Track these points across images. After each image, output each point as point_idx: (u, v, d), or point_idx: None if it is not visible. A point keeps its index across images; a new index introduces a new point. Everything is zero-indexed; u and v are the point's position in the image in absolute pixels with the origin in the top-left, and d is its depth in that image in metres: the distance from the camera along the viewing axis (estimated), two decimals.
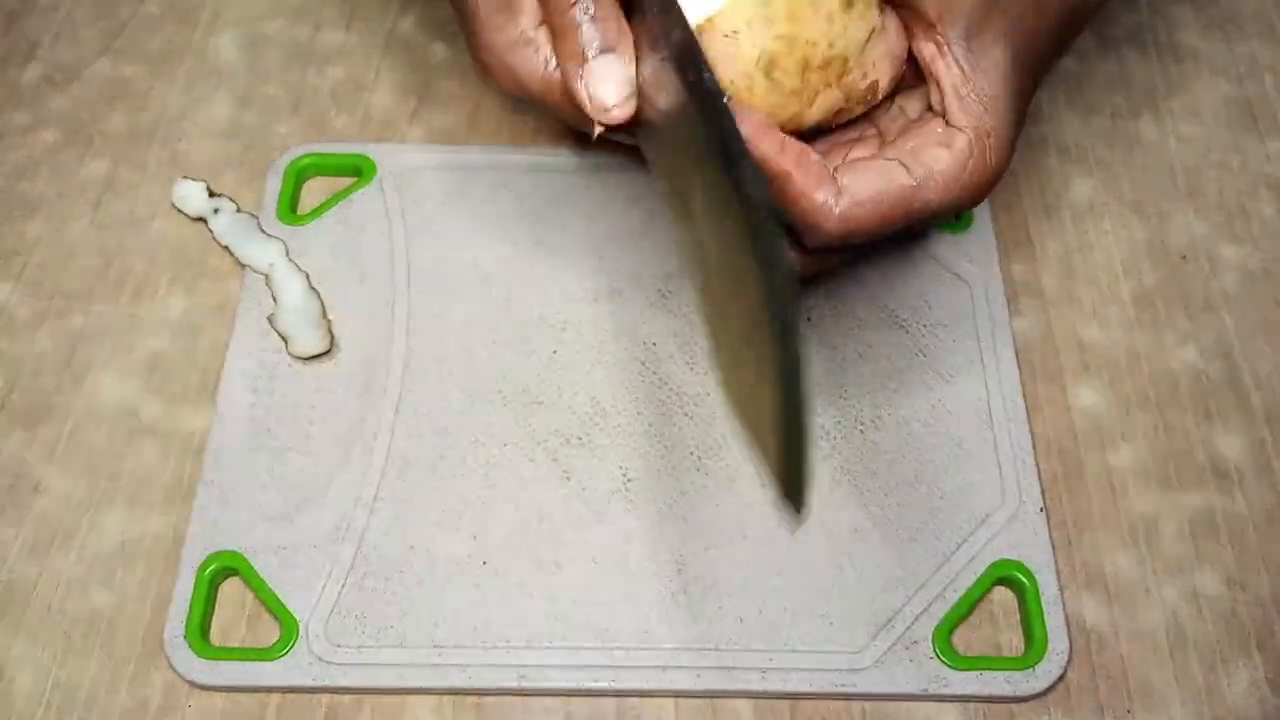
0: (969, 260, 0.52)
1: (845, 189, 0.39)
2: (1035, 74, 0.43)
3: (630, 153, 0.46)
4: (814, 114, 0.41)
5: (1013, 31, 0.41)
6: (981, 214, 0.53)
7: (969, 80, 0.40)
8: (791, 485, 0.34)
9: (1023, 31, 0.41)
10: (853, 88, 0.41)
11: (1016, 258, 0.53)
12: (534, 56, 0.41)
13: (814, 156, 0.39)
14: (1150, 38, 0.61)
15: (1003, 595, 0.44)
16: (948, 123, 0.41)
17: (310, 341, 0.49)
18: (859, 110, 0.42)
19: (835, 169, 0.40)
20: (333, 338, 0.49)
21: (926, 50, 0.41)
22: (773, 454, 0.34)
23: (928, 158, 0.40)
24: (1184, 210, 0.54)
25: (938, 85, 0.41)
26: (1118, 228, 0.54)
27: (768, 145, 0.38)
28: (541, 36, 0.41)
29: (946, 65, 0.41)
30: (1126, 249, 0.53)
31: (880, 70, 0.41)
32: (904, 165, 0.40)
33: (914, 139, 0.41)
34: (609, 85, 0.40)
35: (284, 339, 0.49)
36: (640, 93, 0.40)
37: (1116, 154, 0.56)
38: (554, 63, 0.41)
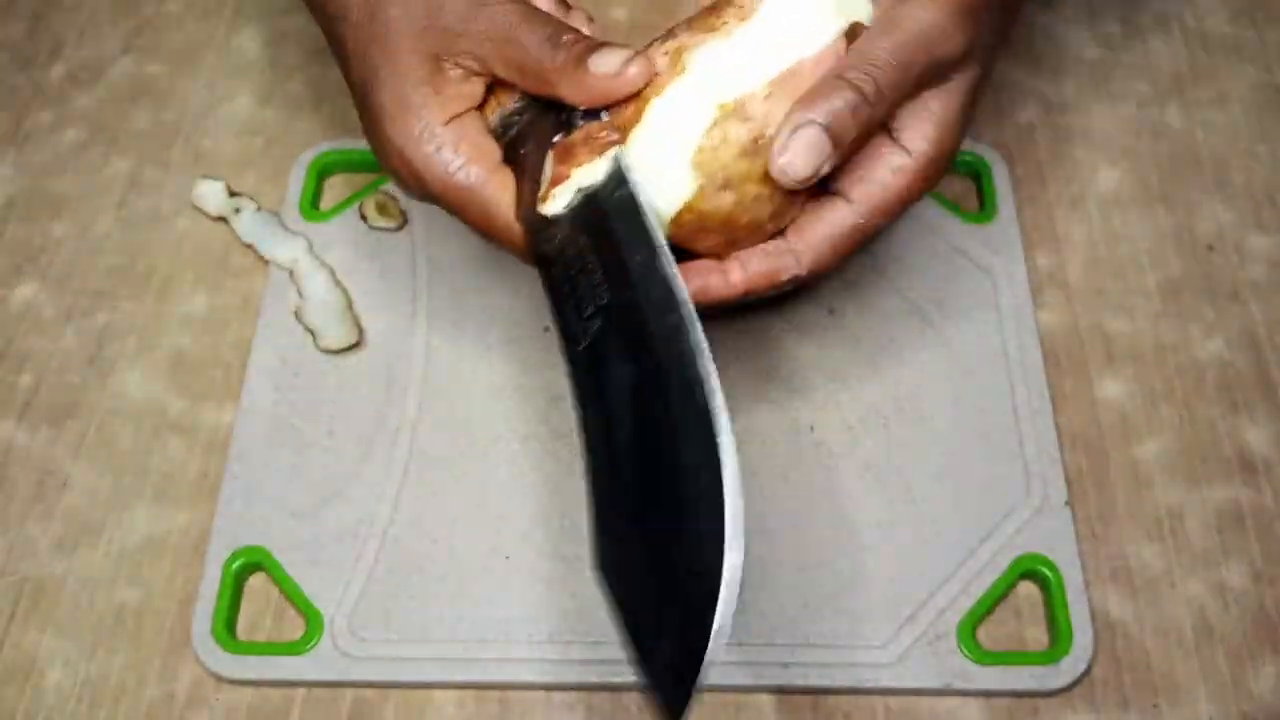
0: (993, 252, 0.51)
1: (801, 252, 0.40)
2: (989, 70, 0.42)
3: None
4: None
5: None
6: (1006, 205, 0.53)
7: (923, 100, 0.40)
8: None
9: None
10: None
11: (1041, 249, 0.52)
12: (437, 155, 0.40)
13: (758, 265, 0.40)
14: (1178, 25, 0.60)
15: (1028, 589, 0.44)
16: (895, 140, 0.40)
17: (339, 334, 0.49)
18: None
19: (786, 233, 0.41)
20: (361, 330, 0.49)
21: None
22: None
23: (874, 186, 0.40)
24: (1211, 200, 0.54)
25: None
26: (1144, 218, 0.53)
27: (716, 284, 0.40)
28: (446, 135, 0.40)
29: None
30: (1152, 239, 0.53)
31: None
32: (848, 201, 0.40)
33: (862, 166, 0.40)
34: (610, 56, 0.39)
35: (312, 333, 0.49)
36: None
37: (1143, 143, 0.56)
38: (457, 164, 0.40)
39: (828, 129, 0.38)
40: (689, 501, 0.33)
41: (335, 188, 0.55)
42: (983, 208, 0.53)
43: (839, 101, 0.38)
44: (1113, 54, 0.59)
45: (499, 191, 0.41)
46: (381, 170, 0.43)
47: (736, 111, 0.38)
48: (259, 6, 0.61)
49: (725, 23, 0.39)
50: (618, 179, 0.39)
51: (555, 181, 0.39)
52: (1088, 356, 0.49)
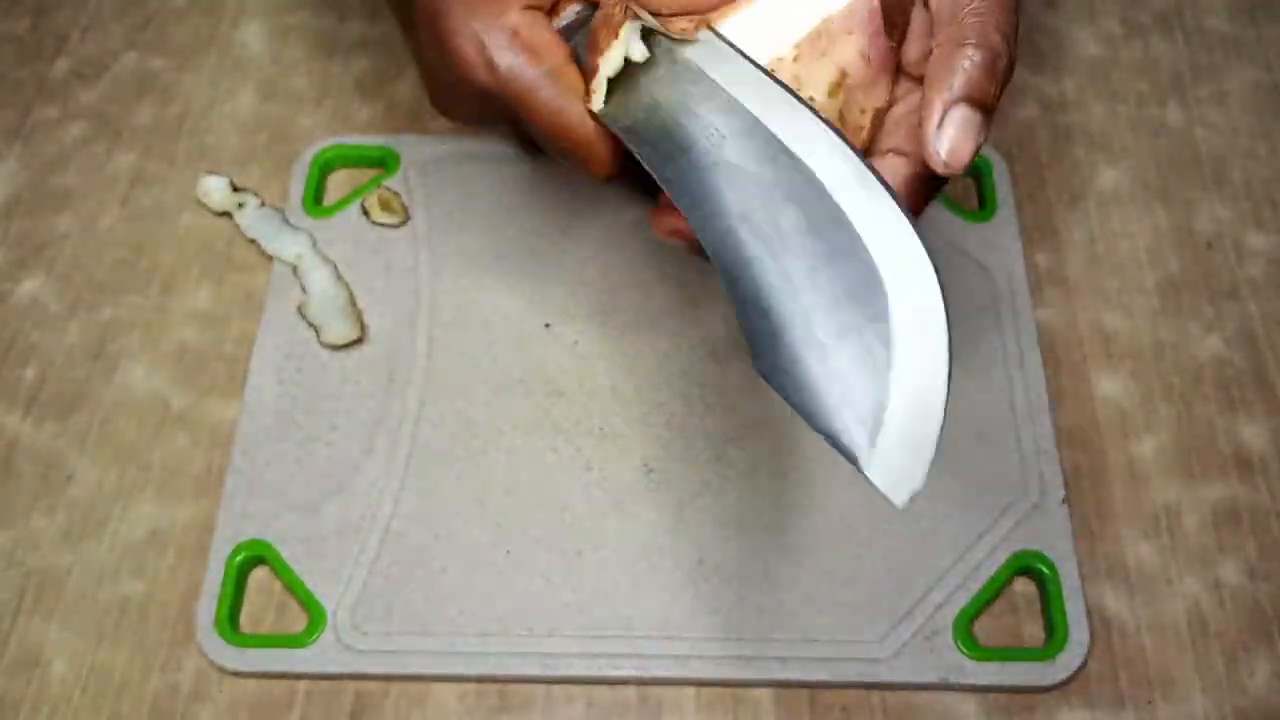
0: (992, 249, 0.51)
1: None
2: None
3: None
4: None
5: None
6: (1006, 203, 0.53)
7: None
8: None
9: None
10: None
11: (1041, 247, 0.52)
12: (513, 40, 0.39)
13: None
14: (1178, 23, 0.60)
15: (1024, 586, 0.44)
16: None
17: (341, 330, 0.49)
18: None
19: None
20: (363, 326, 0.50)
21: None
22: None
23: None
24: (1210, 198, 0.54)
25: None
26: (1143, 216, 0.54)
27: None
28: (523, 21, 0.39)
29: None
30: (1151, 237, 0.53)
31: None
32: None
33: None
34: None
35: (315, 328, 0.49)
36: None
37: (1142, 141, 0.56)
38: (532, 49, 0.39)
39: (971, 101, 0.36)
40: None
41: (338, 183, 0.55)
42: (982, 206, 0.53)
43: (968, 65, 0.36)
44: (1113, 52, 0.59)
45: (574, 80, 0.39)
46: (430, 69, 0.42)
47: None
48: (262, 2, 0.61)
49: None
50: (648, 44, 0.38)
51: (590, 76, 0.39)
52: (1086, 354, 0.50)
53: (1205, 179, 0.55)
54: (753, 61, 0.37)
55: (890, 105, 0.40)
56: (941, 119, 0.36)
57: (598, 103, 0.39)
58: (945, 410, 0.31)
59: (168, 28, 0.61)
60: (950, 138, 0.36)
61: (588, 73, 0.39)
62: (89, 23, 0.61)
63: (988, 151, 0.54)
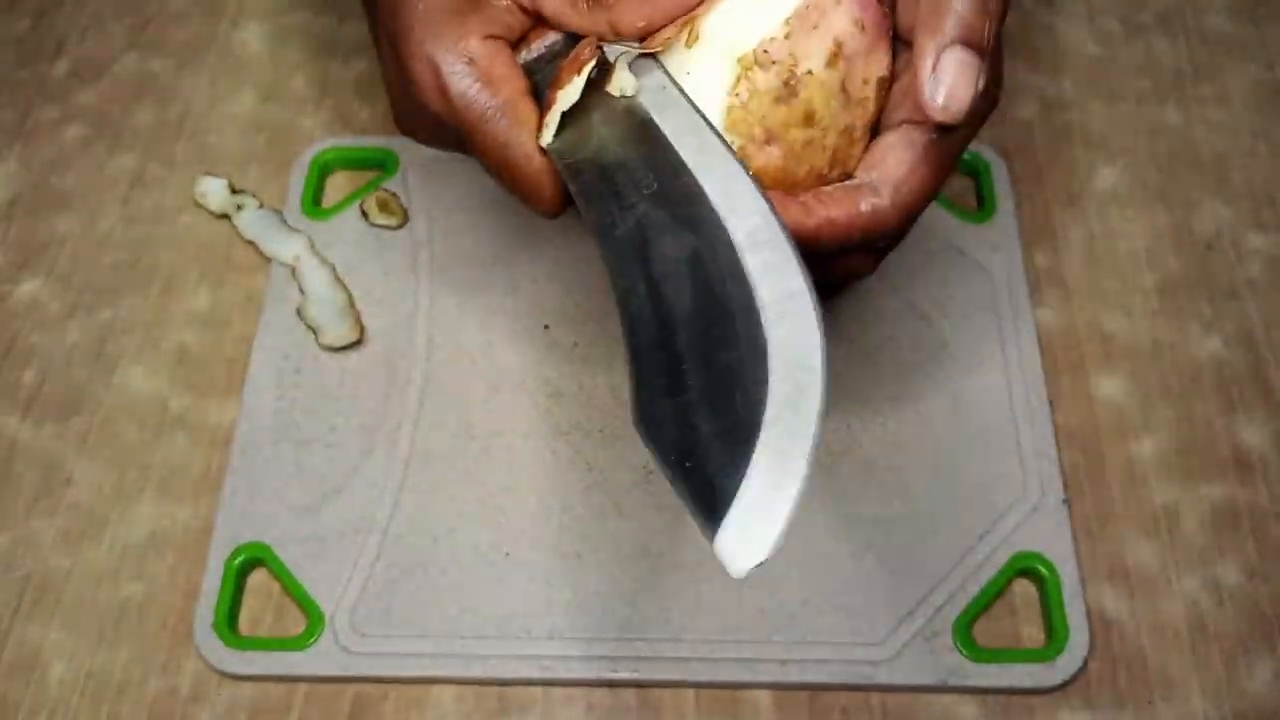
0: (991, 250, 0.51)
1: (878, 183, 0.37)
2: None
3: None
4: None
5: None
6: (1004, 203, 0.53)
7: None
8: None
9: None
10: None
11: (1039, 247, 0.52)
12: (469, 68, 0.38)
13: (833, 203, 0.37)
14: (1178, 22, 0.60)
15: (1023, 587, 0.44)
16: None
17: (340, 332, 0.49)
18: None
19: (855, 171, 0.39)
20: (362, 328, 0.50)
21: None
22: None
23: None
24: (1210, 198, 0.54)
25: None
26: (1142, 216, 0.54)
27: (795, 213, 0.37)
28: (481, 50, 0.38)
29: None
30: (1151, 237, 0.53)
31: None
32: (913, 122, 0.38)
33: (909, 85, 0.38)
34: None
35: (313, 330, 0.49)
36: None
37: (1141, 141, 0.56)
38: (487, 80, 0.38)
39: (966, 43, 0.35)
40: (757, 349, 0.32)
41: (337, 185, 0.55)
42: (981, 206, 0.53)
43: (959, 6, 0.35)
44: (1112, 52, 0.59)
45: (527, 115, 0.39)
46: (391, 85, 0.41)
47: (758, 59, 0.37)
48: (262, 4, 0.61)
49: None
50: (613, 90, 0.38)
51: (545, 109, 0.38)
52: (1085, 354, 0.50)
53: (1205, 179, 0.55)
54: (699, 111, 0.37)
55: (894, 76, 0.39)
56: (935, 64, 0.35)
57: (547, 137, 0.38)
58: (799, 493, 0.31)
59: (167, 29, 0.61)
60: (946, 83, 0.35)
61: (545, 107, 0.39)
62: (89, 24, 0.61)
63: (986, 151, 0.54)
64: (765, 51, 0.37)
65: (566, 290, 0.51)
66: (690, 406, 0.33)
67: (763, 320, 0.33)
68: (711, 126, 0.37)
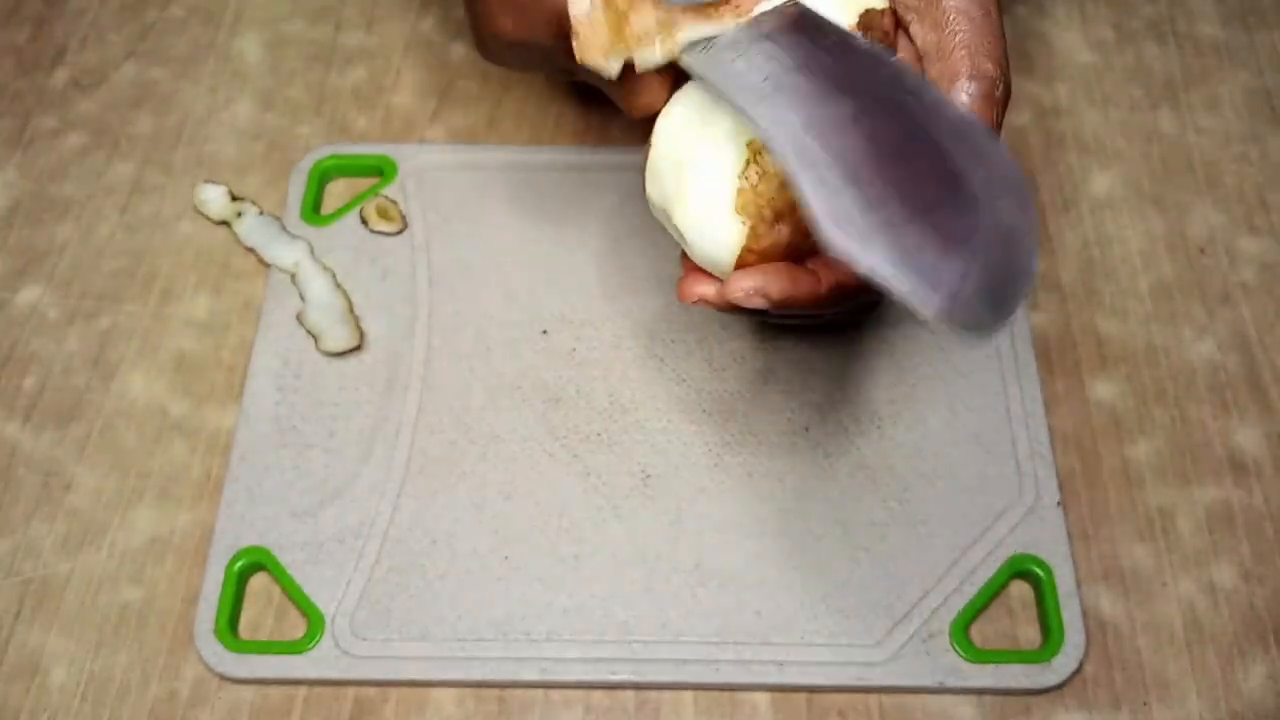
0: None
1: None
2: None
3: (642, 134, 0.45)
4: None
5: None
6: None
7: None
8: None
9: None
10: None
11: None
12: None
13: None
14: (1170, 29, 0.60)
15: (1020, 589, 0.45)
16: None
17: (340, 337, 0.49)
18: None
19: None
20: (361, 333, 0.50)
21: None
22: None
23: None
24: (1203, 203, 0.54)
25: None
26: (1136, 221, 0.54)
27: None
28: None
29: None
30: (1145, 242, 0.53)
31: None
32: None
33: None
34: None
35: (313, 336, 0.50)
36: None
37: (1135, 147, 0.56)
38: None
39: None
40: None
41: (336, 192, 0.55)
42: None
43: (967, 99, 0.36)
44: (1105, 58, 0.59)
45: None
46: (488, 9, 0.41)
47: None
48: (260, 12, 0.62)
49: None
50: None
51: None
52: (1080, 358, 0.50)
53: (1198, 184, 0.55)
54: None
55: None
56: None
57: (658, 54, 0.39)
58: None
59: (166, 38, 0.61)
60: None
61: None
62: (88, 33, 0.61)
63: None
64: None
65: (564, 296, 0.51)
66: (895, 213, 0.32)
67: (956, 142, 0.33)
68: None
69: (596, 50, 0.39)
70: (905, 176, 0.33)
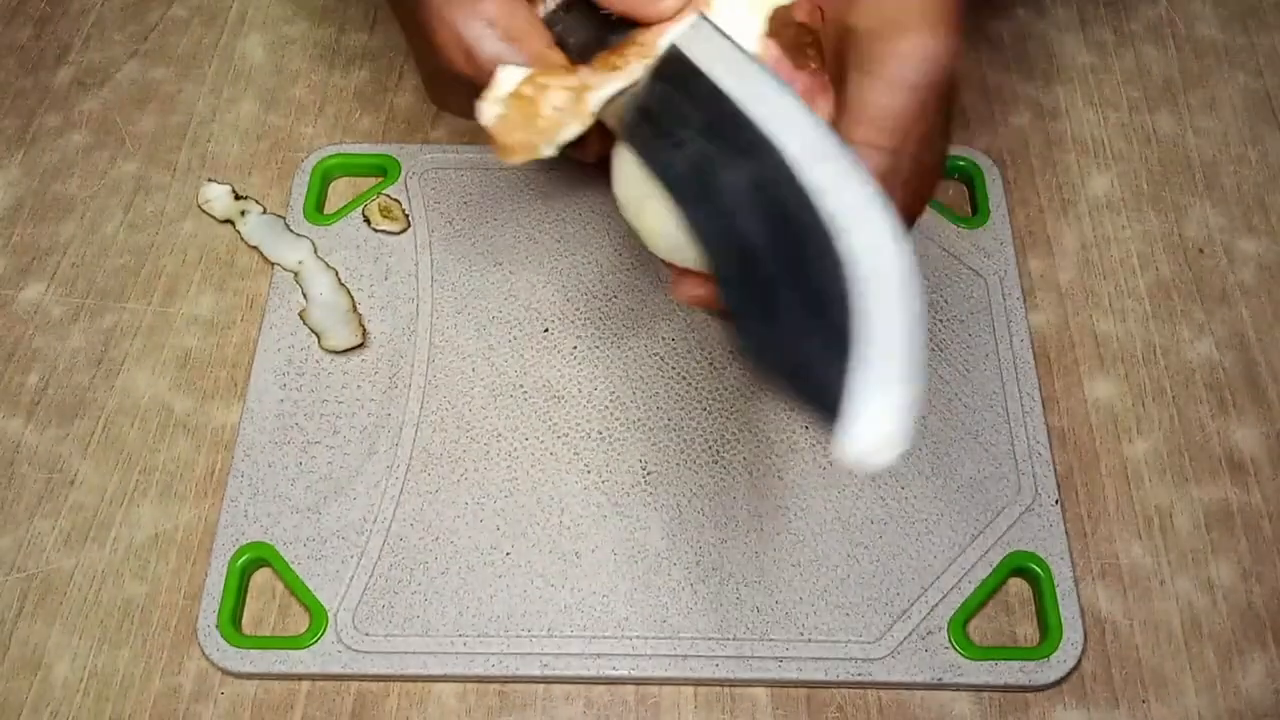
0: (985, 255, 0.52)
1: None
2: None
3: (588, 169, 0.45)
4: None
5: None
6: (998, 209, 0.53)
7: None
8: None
9: None
10: None
11: (1033, 252, 0.53)
12: (491, 29, 0.39)
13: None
14: (1169, 31, 0.61)
15: (1018, 586, 0.45)
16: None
17: (343, 336, 0.50)
18: None
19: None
20: (364, 332, 0.50)
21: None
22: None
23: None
24: (1201, 203, 0.55)
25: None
26: (1134, 221, 0.54)
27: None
28: (502, 9, 0.39)
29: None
30: (1143, 242, 0.54)
31: None
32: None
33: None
34: None
35: (316, 334, 0.50)
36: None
37: (1134, 148, 0.57)
38: (511, 36, 0.39)
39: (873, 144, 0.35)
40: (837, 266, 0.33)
41: (339, 191, 0.55)
42: (975, 212, 0.54)
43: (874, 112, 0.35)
44: (1104, 60, 0.60)
45: (556, 65, 0.39)
46: (421, 59, 0.42)
47: None
48: (263, 13, 0.62)
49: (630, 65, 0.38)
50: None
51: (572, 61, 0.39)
52: (1078, 357, 0.50)
53: (1196, 185, 0.55)
54: (739, 47, 0.37)
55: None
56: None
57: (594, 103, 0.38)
58: (908, 393, 0.31)
59: (169, 37, 0.61)
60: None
61: (570, 56, 0.39)
62: (91, 32, 0.61)
63: (980, 158, 0.55)
64: None
65: (565, 294, 0.51)
66: (786, 329, 0.33)
67: (834, 233, 0.33)
68: (746, 53, 0.37)
69: (518, 151, 0.39)
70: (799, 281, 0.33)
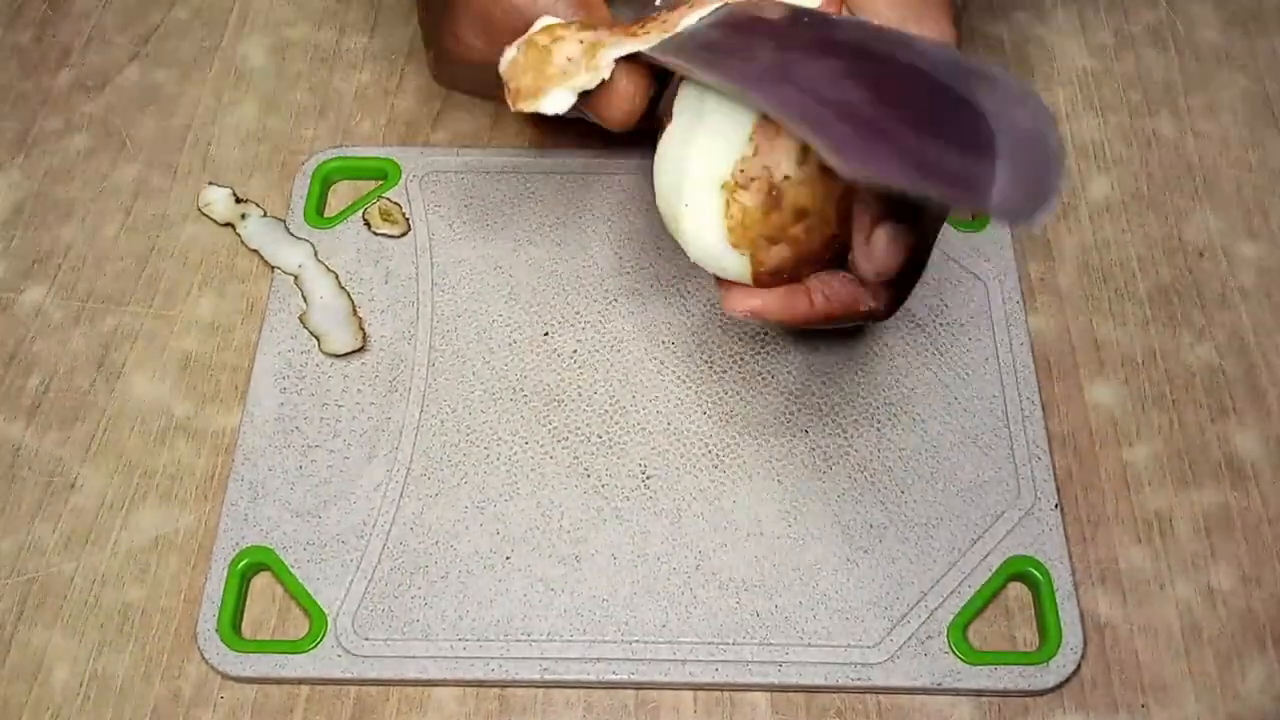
0: (985, 259, 0.52)
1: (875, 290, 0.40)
2: None
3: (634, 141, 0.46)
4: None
5: None
6: None
7: None
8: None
9: None
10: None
11: (1033, 256, 0.53)
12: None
13: (839, 290, 0.40)
14: (1170, 34, 0.61)
15: (1017, 590, 0.45)
16: None
17: (343, 339, 0.50)
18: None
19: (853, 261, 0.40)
20: (364, 335, 0.50)
21: None
22: None
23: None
24: (1201, 207, 0.55)
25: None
26: (1135, 225, 0.54)
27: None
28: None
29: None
30: (1143, 246, 0.54)
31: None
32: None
33: None
34: None
35: (316, 338, 0.50)
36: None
37: (1134, 151, 0.57)
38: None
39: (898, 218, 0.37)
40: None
41: (339, 195, 0.56)
42: (975, 216, 0.54)
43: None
44: (1104, 63, 0.60)
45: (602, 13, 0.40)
46: (443, 34, 0.42)
47: (739, 182, 0.39)
48: (264, 16, 0.62)
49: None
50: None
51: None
52: (1078, 361, 0.50)
53: (1197, 188, 0.55)
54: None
55: None
56: (868, 244, 0.38)
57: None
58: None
59: (170, 40, 0.61)
60: (876, 257, 0.38)
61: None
62: (92, 35, 0.61)
63: None
64: (742, 172, 0.39)
65: (565, 298, 0.51)
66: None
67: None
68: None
69: (524, 95, 0.40)
70: (912, 103, 0.34)
